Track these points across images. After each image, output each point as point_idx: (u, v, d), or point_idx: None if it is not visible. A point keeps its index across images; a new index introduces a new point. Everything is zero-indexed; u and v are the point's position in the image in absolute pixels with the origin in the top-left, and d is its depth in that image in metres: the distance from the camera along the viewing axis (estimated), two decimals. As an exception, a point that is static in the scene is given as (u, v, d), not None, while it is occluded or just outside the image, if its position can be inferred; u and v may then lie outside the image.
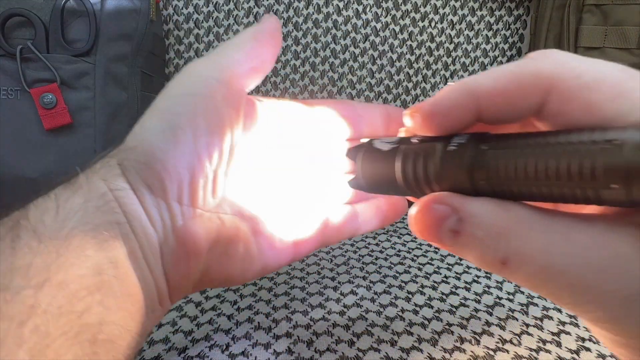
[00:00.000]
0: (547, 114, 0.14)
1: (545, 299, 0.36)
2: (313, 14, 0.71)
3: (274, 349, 0.28)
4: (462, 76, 0.75)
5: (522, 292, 0.37)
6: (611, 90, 0.13)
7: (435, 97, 0.16)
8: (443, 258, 0.44)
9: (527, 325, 0.32)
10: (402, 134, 0.19)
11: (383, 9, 0.72)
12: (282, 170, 0.23)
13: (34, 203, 0.17)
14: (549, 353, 0.28)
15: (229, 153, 0.21)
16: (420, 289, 0.37)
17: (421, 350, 0.28)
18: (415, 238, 0.49)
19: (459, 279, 0.39)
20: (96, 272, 0.16)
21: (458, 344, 0.29)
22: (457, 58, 0.75)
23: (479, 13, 0.74)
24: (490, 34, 0.74)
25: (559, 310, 0.34)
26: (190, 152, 0.19)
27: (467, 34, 0.74)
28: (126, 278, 0.17)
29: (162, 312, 0.20)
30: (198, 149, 0.19)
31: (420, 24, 0.73)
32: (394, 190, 0.18)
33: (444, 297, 0.35)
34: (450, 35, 0.74)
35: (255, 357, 0.28)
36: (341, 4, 0.72)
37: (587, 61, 0.14)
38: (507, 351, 0.28)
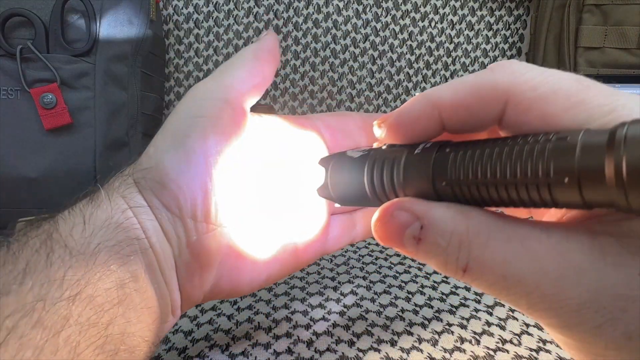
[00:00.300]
0: (506, 124, 0.14)
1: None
2: (313, 14, 0.71)
3: (274, 349, 0.28)
4: (462, 76, 0.75)
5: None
6: (566, 101, 0.13)
7: (400, 108, 0.16)
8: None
9: (527, 325, 0.32)
10: (376, 144, 0.19)
11: (383, 9, 0.72)
12: (277, 181, 0.24)
13: (61, 216, 0.18)
14: (549, 353, 0.28)
15: (236, 168, 0.22)
16: (420, 289, 0.37)
17: (421, 350, 0.28)
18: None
19: (459, 279, 0.39)
20: (119, 286, 0.17)
21: (458, 344, 0.29)
22: (457, 58, 0.75)
23: (479, 13, 0.74)
24: (490, 34, 0.74)
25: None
26: (202, 172, 0.20)
27: (467, 34, 0.74)
28: (145, 291, 0.19)
29: (174, 321, 0.22)
30: (209, 168, 0.20)
31: (420, 24, 0.73)
32: (362, 199, 0.18)
33: (444, 297, 0.35)
34: (450, 35, 0.74)
35: (255, 357, 0.28)
36: (341, 4, 0.72)
37: (544, 72, 0.14)
38: (507, 351, 0.28)
